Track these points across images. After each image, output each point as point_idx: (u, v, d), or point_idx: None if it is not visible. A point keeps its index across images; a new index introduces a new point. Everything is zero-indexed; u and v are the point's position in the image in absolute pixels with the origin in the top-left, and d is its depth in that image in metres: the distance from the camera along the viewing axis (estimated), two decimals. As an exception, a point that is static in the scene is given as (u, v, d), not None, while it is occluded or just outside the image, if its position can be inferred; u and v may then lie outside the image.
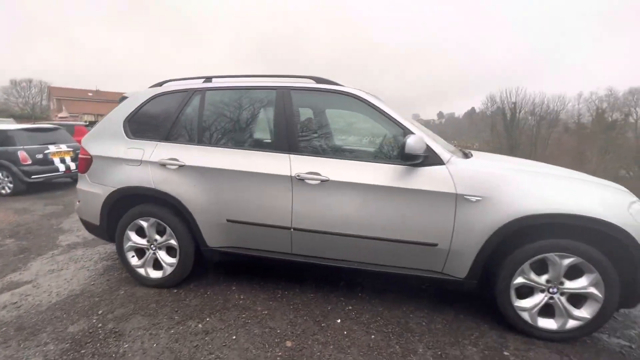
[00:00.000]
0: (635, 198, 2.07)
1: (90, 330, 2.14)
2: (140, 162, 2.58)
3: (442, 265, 2.22)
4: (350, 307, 2.42)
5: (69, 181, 7.52)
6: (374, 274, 2.32)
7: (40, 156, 6.42)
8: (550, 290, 2.08)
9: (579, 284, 2.04)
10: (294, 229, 2.35)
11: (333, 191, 2.25)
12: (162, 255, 2.68)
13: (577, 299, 2.09)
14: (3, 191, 6.34)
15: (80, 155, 2.85)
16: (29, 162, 6.23)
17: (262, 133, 2.50)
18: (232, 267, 3.01)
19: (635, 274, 1.95)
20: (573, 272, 2.05)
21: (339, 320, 2.25)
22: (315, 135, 2.62)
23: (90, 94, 38.47)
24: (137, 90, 2.87)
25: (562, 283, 2.06)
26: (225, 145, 2.53)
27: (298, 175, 2.28)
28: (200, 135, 2.58)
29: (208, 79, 2.75)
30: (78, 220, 3.54)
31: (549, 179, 2.12)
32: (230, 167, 2.41)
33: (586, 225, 1.93)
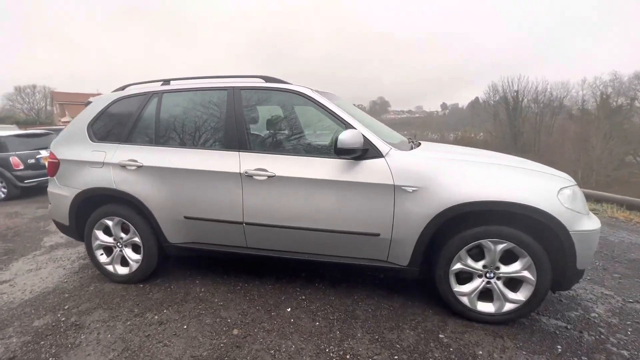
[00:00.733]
0: (568, 184, 2.11)
1: (54, 324, 2.28)
2: (103, 164, 2.71)
3: (386, 254, 2.31)
4: (303, 297, 2.52)
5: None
6: (331, 264, 2.41)
7: (32, 161, 6.63)
8: (487, 275, 2.16)
9: (513, 268, 2.11)
10: (246, 223, 2.45)
11: (279, 186, 2.35)
12: (128, 253, 2.81)
13: (515, 283, 2.16)
14: (-2, 196, 6.57)
15: (49, 160, 2.98)
16: (22, 167, 6.44)
17: (215, 132, 2.59)
18: (199, 262, 3.13)
19: (565, 257, 2.02)
20: (510, 257, 2.12)
21: (289, 309, 2.36)
22: (264, 132, 2.72)
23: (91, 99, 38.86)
24: (100, 95, 2.98)
25: (498, 268, 2.14)
26: (180, 145, 2.63)
27: (246, 172, 2.38)
28: (158, 136, 2.69)
29: (166, 81, 2.85)
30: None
31: (480, 167, 2.18)
32: (184, 166, 2.52)
33: (514, 211, 2.00)
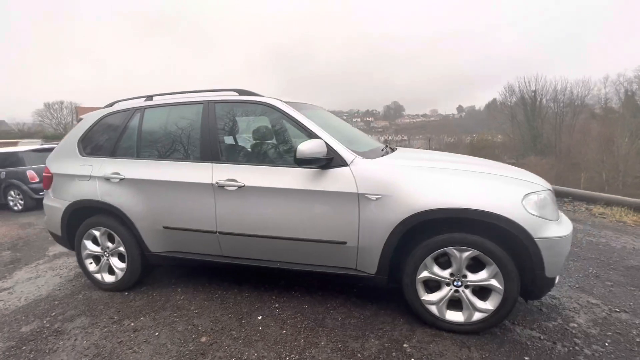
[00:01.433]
0: (537, 189, 2.05)
1: (38, 330, 2.40)
2: (90, 177, 2.85)
3: (354, 262, 2.31)
4: (277, 305, 2.55)
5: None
6: (304, 273, 2.43)
7: (47, 174, 7.00)
8: (455, 283, 2.12)
9: (480, 276, 2.07)
10: (220, 232, 2.51)
11: (249, 196, 2.40)
12: (114, 261, 2.93)
13: (485, 292, 2.11)
14: (16, 208, 6.98)
15: (44, 174, 3.16)
16: (37, 180, 6.82)
17: (191, 145, 2.69)
18: (185, 270, 3.22)
19: (533, 265, 1.96)
20: (478, 265, 2.08)
21: (260, 317, 2.39)
22: (236, 144, 2.79)
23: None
24: (91, 112, 3.16)
25: (465, 276, 2.09)
26: (159, 158, 2.74)
27: (217, 183, 2.45)
28: (139, 150, 2.81)
29: (149, 97, 2.99)
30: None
31: (445, 174, 2.15)
32: (162, 177, 2.62)
33: (475, 218, 1.96)
